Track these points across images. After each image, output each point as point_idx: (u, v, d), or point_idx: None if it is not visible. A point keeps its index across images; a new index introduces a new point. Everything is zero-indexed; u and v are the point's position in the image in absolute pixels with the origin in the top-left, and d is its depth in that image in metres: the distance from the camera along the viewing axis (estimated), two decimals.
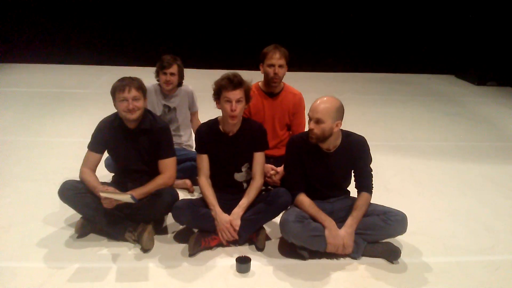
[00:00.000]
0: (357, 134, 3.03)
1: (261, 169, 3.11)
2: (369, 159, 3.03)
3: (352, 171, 3.07)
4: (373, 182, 3.04)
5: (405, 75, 9.60)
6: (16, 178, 3.92)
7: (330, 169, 2.97)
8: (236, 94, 2.88)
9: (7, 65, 8.77)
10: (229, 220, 2.92)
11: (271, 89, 3.68)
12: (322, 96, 2.84)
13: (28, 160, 4.33)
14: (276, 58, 3.54)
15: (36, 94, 6.87)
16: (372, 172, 3.05)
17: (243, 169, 3.12)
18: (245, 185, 3.15)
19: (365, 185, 3.00)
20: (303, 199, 2.92)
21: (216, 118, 3.12)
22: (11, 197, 3.58)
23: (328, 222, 2.82)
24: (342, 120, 2.84)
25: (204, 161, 3.08)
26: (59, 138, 5.01)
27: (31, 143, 4.81)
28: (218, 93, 2.94)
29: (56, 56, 9.21)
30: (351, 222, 2.84)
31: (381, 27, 9.77)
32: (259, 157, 3.10)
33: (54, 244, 2.95)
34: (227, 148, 3.06)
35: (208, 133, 3.07)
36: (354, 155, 2.98)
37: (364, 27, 9.78)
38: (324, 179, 3.00)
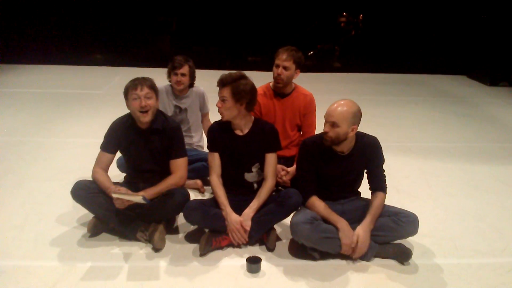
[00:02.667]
0: (370, 135, 3.02)
1: (273, 170, 3.11)
2: (382, 159, 3.03)
3: (365, 172, 3.07)
4: (386, 184, 3.03)
5: (417, 76, 9.54)
6: (30, 178, 3.97)
7: (343, 171, 2.96)
8: (221, 92, 2.97)
9: (21, 66, 8.87)
10: (240, 221, 2.93)
11: (280, 89, 3.68)
12: (340, 99, 2.82)
13: (41, 161, 4.39)
14: (282, 59, 3.54)
15: (49, 95, 6.94)
16: (384, 173, 3.05)
17: (254, 169, 3.13)
18: (255, 186, 3.16)
19: (379, 185, 2.99)
20: (315, 201, 2.92)
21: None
22: (25, 197, 3.63)
23: (341, 223, 2.82)
24: (358, 125, 2.83)
25: (216, 160, 3.10)
26: (71, 139, 5.06)
27: (44, 143, 4.87)
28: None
29: (69, 58, 9.30)
30: (369, 221, 2.84)
31: (393, 27, 9.73)
32: (271, 158, 3.10)
33: (67, 243, 2.99)
34: (238, 147, 3.07)
35: (220, 132, 3.09)
36: (368, 157, 2.97)
37: (376, 28, 9.75)
38: (337, 181, 3.00)
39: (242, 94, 2.94)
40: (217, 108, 3.00)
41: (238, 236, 2.93)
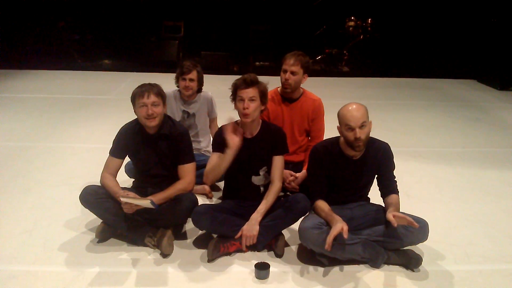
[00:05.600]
0: (380, 140, 3.00)
1: (280, 173, 3.10)
2: (393, 165, 3.01)
3: (376, 178, 3.05)
4: (398, 189, 3.00)
5: (426, 80, 9.48)
6: (39, 183, 3.99)
7: (354, 176, 2.94)
8: (249, 92, 2.91)
9: (31, 72, 8.94)
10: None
11: (288, 94, 3.67)
12: (347, 105, 2.79)
13: (50, 166, 4.41)
14: (290, 64, 3.53)
15: (57, 100, 6.99)
16: (395, 179, 3.02)
17: (261, 172, 3.11)
18: (262, 189, 3.15)
19: (391, 189, 2.97)
20: (319, 203, 2.90)
21: (236, 121, 3.13)
22: (33, 202, 3.65)
23: (335, 220, 2.71)
24: None
25: (214, 158, 3.05)
26: (80, 144, 5.08)
27: (53, 148, 4.89)
28: (234, 93, 2.98)
29: (77, 63, 9.37)
30: (393, 209, 2.76)
31: (402, 31, 9.70)
32: (278, 161, 3.09)
33: (75, 248, 2.99)
34: (245, 150, 3.04)
35: None
36: (379, 161, 2.95)
37: (385, 32, 9.73)
38: (347, 185, 2.98)
39: (266, 94, 2.98)
40: (243, 110, 2.91)
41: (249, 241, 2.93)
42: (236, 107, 3.00)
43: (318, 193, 2.95)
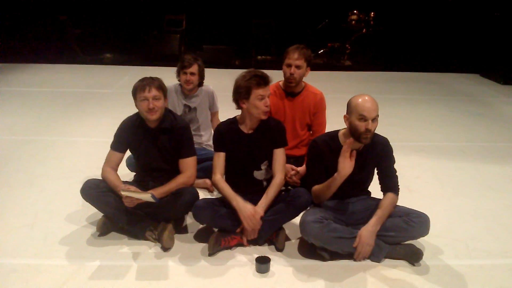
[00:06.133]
0: (380, 135, 2.99)
1: (281, 165, 3.09)
2: (393, 159, 2.99)
3: (376, 172, 3.04)
4: (398, 184, 2.99)
5: (429, 74, 9.45)
6: (40, 177, 3.99)
7: (355, 169, 2.91)
8: (267, 90, 2.94)
9: (32, 66, 8.94)
10: (253, 208, 2.90)
11: (291, 88, 3.66)
12: (361, 95, 2.78)
13: (51, 159, 4.41)
14: (294, 58, 3.51)
15: (59, 94, 6.99)
16: (396, 173, 3.01)
17: (263, 167, 3.11)
18: (264, 183, 3.14)
19: (391, 186, 2.96)
20: (316, 187, 2.92)
21: (235, 117, 3.12)
22: (35, 195, 3.65)
23: (336, 173, 2.77)
24: None
25: (221, 159, 3.08)
26: (81, 138, 5.09)
27: (54, 142, 4.90)
28: (248, 93, 2.92)
29: (79, 57, 9.37)
30: (374, 222, 2.80)
31: (405, 25, 9.66)
32: (279, 154, 3.08)
33: (76, 242, 3.00)
34: (246, 146, 3.05)
35: (227, 132, 3.08)
36: (379, 155, 2.94)
37: (387, 26, 9.68)
38: (347, 179, 2.96)
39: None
40: (265, 108, 2.94)
41: (253, 222, 2.88)
42: (248, 106, 2.95)
43: (316, 184, 2.95)
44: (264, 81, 2.92)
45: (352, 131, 2.80)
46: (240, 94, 2.95)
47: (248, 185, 3.13)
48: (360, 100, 2.75)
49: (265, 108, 2.94)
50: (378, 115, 2.75)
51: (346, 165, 2.72)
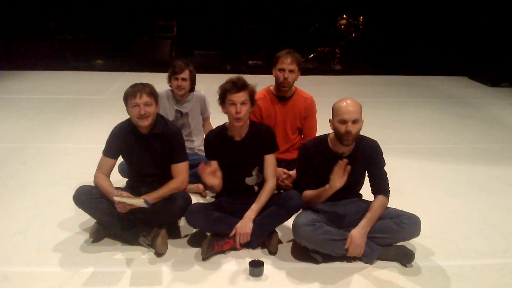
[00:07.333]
0: (369, 138, 3.02)
1: (273, 171, 3.11)
2: (382, 162, 3.03)
3: (367, 175, 3.07)
4: (389, 186, 3.02)
5: (418, 77, 9.53)
6: (32, 184, 3.98)
7: None
8: (241, 96, 2.89)
9: (23, 73, 8.90)
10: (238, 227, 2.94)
11: (282, 93, 3.69)
12: (344, 99, 2.83)
13: (43, 166, 4.39)
14: (287, 63, 3.54)
15: (51, 100, 6.97)
16: (387, 176, 3.04)
17: (254, 173, 3.13)
18: (256, 188, 3.16)
19: (381, 188, 2.99)
20: (307, 192, 2.96)
21: (224, 124, 3.13)
22: (27, 202, 3.64)
23: (328, 185, 2.79)
24: None
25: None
26: (73, 144, 5.07)
27: (46, 149, 4.88)
28: (223, 97, 2.95)
29: (70, 63, 9.34)
30: (364, 223, 2.82)
31: (393, 29, 9.74)
32: (269, 159, 3.10)
33: (70, 248, 2.99)
34: (236, 153, 3.06)
35: (217, 140, 3.09)
36: (369, 158, 2.97)
37: (376, 30, 9.76)
38: None
39: (254, 96, 2.99)
40: (235, 114, 2.88)
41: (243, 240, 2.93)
42: (226, 111, 2.97)
43: (306, 188, 2.98)
44: (235, 86, 2.88)
45: (336, 134, 2.85)
46: (219, 99, 2.99)
47: (240, 190, 3.14)
48: (340, 103, 2.82)
49: (235, 115, 2.90)
50: (359, 118, 2.79)
51: (338, 180, 2.75)
